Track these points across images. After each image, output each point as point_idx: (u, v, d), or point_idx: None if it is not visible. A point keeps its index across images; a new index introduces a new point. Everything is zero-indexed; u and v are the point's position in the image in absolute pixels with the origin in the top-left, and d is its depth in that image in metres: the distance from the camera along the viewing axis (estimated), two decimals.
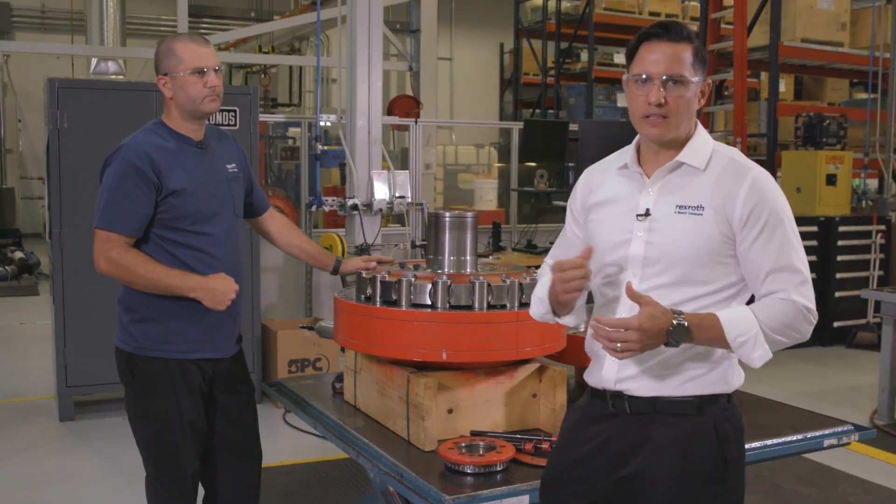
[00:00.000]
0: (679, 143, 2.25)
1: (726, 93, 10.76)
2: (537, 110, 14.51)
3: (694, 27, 13.42)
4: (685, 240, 2.19)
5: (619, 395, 2.30)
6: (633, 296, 2.11)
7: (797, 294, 2.16)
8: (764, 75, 11.64)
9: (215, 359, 3.27)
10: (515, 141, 9.13)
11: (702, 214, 2.19)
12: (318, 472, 5.09)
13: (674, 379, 2.25)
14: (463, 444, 2.84)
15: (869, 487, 4.94)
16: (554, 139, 8.24)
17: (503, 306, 3.04)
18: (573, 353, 3.27)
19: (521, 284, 3.05)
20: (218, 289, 3.09)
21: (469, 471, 2.72)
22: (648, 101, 2.18)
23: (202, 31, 17.76)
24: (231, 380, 3.35)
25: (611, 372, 2.29)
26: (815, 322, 2.18)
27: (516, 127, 9.29)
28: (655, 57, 2.18)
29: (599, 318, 2.13)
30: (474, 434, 2.99)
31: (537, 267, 2.75)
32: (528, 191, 8.86)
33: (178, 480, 3.22)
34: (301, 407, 3.56)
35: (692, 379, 2.25)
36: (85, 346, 5.96)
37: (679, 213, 2.21)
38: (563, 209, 2.67)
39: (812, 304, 2.18)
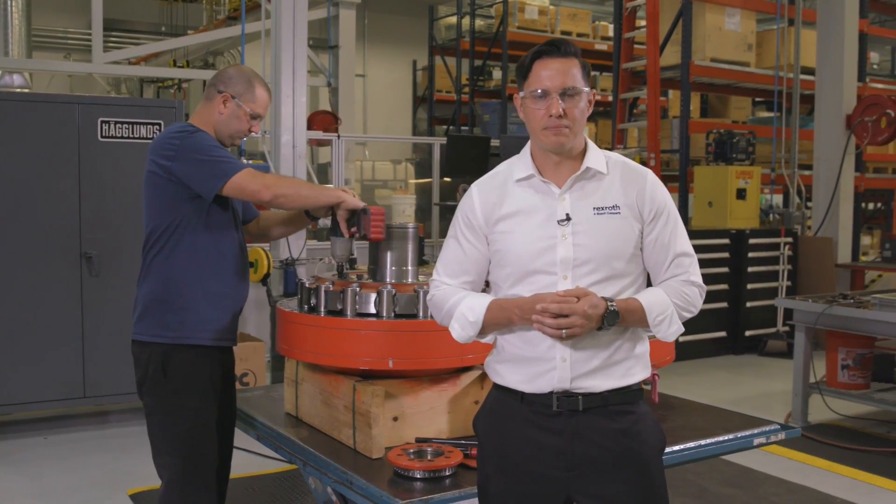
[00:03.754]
0: (576, 152, 2.40)
1: (636, 110, 11.03)
2: (452, 127, 14.64)
3: (606, 46, 13.76)
4: (609, 238, 2.35)
5: (569, 395, 2.36)
6: (570, 294, 2.25)
7: (695, 275, 2.43)
8: (672, 93, 11.99)
9: (231, 348, 3.37)
10: (437, 156, 9.21)
11: (619, 213, 2.37)
12: (252, 487, 5.03)
13: (617, 371, 2.38)
14: (411, 451, 2.88)
15: (790, 487, 5.13)
16: (476, 154, 8.37)
17: None
18: None
19: None
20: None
21: (419, 476, 2.76)
22: (549, 113, 2.31)
23: (111, 44, 17.38)
24: (231, 375, 3.45)
25: (565, 373, 2.34)
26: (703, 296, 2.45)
27: (438, 142, 9.38)
28: (550, 73, 2.32)
29: (546, 305, 2.23)
30: (420, 441, 3.03)
31: None
32: (450, 205, 8.94)
33: (206, 476, 3.24)
34: (242, 420, 3.55)
35: (630, 369, 2.41)
36: (3, 366, 5.81)
37: (598, 214, 2.35)
38: None
39: (702, 282, 2.45)
